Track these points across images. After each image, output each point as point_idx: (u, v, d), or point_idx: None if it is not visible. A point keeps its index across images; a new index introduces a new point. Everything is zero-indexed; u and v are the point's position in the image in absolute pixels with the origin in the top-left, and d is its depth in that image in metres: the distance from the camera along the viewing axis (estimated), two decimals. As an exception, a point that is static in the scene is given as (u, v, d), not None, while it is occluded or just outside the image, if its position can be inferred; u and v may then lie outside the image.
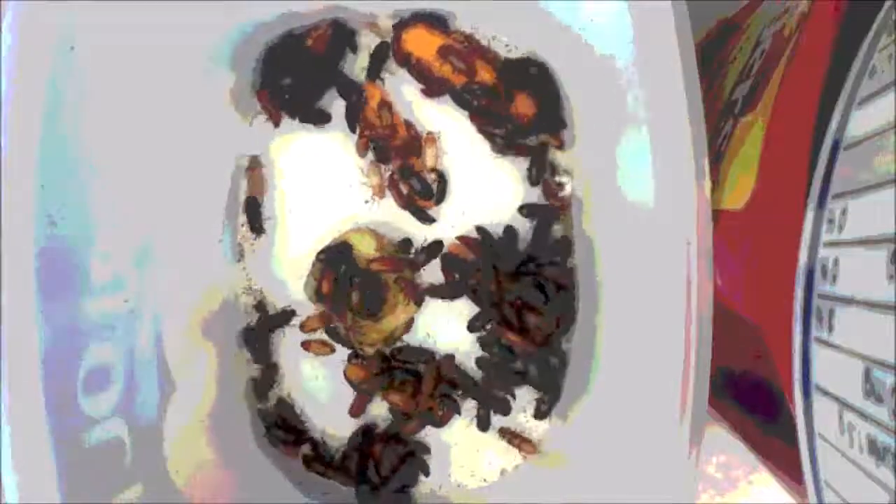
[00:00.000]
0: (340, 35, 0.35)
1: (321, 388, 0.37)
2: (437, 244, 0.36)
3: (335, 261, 0.35)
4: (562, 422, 0.35)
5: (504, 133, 0.34)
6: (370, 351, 0.35)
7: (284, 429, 0.37)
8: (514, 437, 0.35)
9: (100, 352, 0.29)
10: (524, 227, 0.35)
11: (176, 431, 0.32)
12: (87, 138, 0.28)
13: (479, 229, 0.35)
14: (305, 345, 0.36)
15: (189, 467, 0.32)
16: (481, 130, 0.35)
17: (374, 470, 0.35)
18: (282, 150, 0.37)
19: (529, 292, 0.34)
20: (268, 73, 0.36)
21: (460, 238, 0.35)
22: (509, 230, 0.35)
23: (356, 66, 0.36)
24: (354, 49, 0.36)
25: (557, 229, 0.35)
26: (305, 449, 0.37)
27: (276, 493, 0.36)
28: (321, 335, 0.37)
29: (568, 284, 0.34)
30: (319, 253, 0.35)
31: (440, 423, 0.36)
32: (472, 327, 0.35)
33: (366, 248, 0.35)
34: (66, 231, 0.27)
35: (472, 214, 0.36)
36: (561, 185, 0.35)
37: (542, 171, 0.35)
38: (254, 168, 0.37)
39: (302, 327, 0.36)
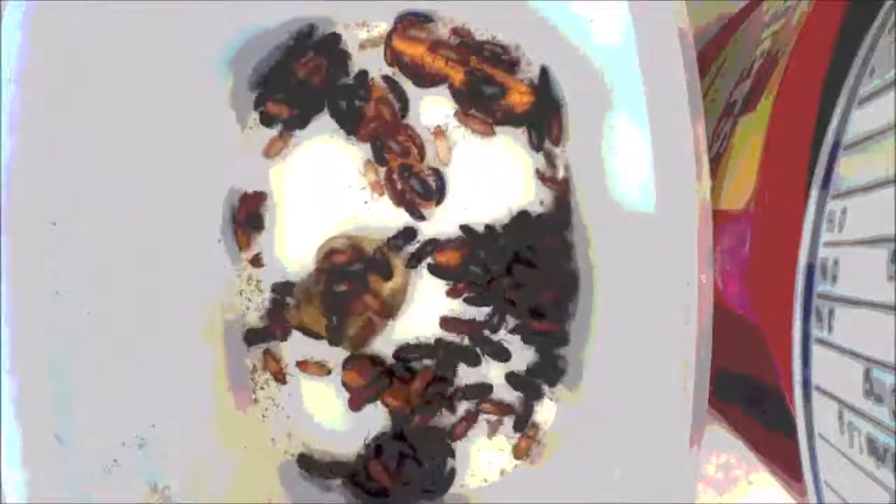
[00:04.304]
0: (337, 59, 0.35)
1: (321, 395, 0.37)
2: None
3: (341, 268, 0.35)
4: (560, 421, 0.35)
5: (499, 117, 0.35)
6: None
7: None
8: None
9: (101, 351, 0.29)
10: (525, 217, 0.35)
11: (179, 431, 0.32)
12: (88, 137, 0.28)
13: (464, 228, 0.35)
14: (301, 365, 0.36)
15: (192, 468, 0.32)
16: (478, 114, 0.35)
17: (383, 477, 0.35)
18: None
19: (523, 285, 0.34)
20: (266, 91, 0.36)
21: (442, 243, 0.35)
22: (489, 227, 0.35)
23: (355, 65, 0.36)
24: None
25: (556, 229, 0.35)
26: (307, 452, 0.37)
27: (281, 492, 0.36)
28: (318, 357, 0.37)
29: (565, 285, 0.34)
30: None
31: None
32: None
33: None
34: (67, 230, 0.27)
35: (472, 211, 0.36)
36: (564, 181, 0.35)
37: (542, 137, 0.35)
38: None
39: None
